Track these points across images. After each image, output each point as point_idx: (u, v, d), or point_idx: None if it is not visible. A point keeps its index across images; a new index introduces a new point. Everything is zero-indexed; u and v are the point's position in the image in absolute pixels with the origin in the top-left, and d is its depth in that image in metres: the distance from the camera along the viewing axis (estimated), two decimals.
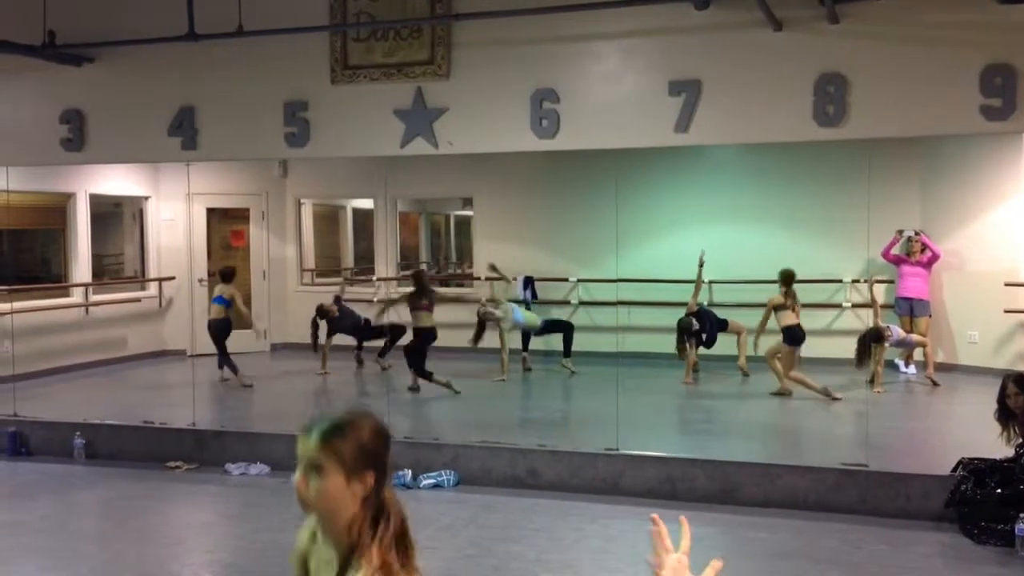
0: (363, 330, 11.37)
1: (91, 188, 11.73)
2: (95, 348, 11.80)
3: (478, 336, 10.59)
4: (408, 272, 11.93)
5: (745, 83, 6.86)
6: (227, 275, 10.95)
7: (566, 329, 11.04)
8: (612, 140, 7.31)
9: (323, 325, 11.22)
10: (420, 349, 9.80)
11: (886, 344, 9.72)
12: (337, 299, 11.25)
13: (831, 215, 10.98)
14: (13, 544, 6.18)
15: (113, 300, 12.27)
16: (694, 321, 10.25)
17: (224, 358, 10.65)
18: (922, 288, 10.62)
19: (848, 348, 10.12)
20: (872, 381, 9.56)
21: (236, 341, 11.03)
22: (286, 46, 7.70)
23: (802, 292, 9.85)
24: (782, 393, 9.49)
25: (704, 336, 10.40)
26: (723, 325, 10.50)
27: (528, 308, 11.82)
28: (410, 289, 10.16)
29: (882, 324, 9.75)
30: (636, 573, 5.45)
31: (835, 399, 9.20)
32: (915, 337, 10.11)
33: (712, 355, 10.73)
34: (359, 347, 11.55)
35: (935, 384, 9.87)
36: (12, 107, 8.72)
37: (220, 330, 10.65)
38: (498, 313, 10.58)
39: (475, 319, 10.75)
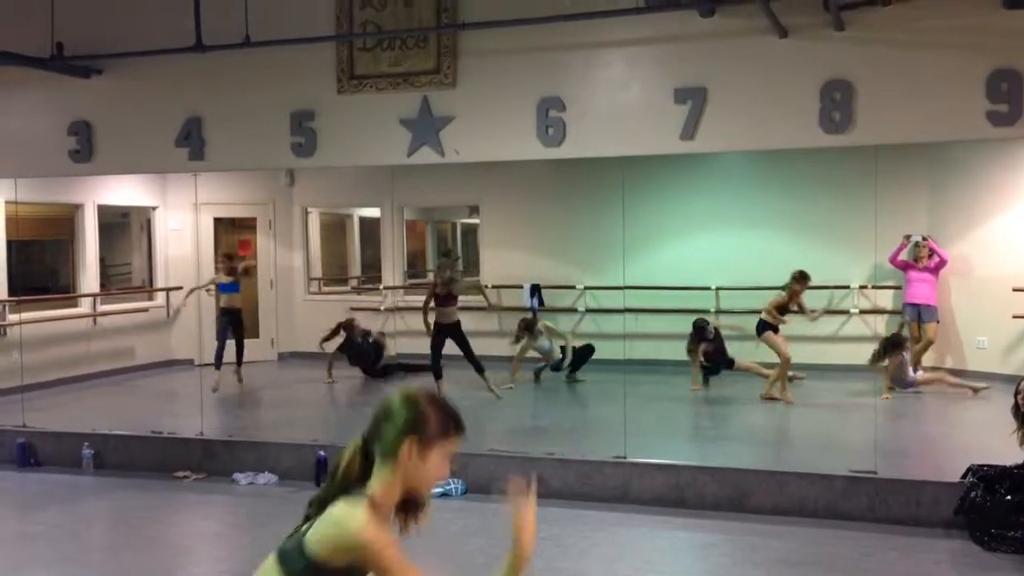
0: (370, 367, 11.35)
1: (99, 199, 11.78)
2: (103, 358, 11.82)
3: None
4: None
5: (751, 90, 6.86)
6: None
7: (589, 353, 11.00)
8: (618, 148, 7.31)
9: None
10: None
11: (903, 355, 9.69)
12: (360, 330, 11.23)
13: (838, 221, 10.97)
14: (23, 554, 6.19)
15: (121, 310, 12.31)
16: (710, 327, 10.22)
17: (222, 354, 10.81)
18: (930, 294, 10.58)
19: (855, 354, 10.13)
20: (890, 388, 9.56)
21: (244, 350, 11.08)
22: (292, 56, 7.73)
23: (809, 298, 9.83)
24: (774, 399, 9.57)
25: (712, 351, 10.37)
26: (728, 364, 10.41)
27: (534, 315, 11.81)
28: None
29: (904, 335, 9.77)
30: None
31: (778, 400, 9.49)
32: (921, 375, 9.95)
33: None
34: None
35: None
36: (21, 119, 8.76)
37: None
38: (543, 343, 10.73)
39: (478, 327, 10.83)
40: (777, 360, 9.70)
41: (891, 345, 9.54)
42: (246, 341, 11.32)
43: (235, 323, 11.02)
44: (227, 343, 10.92)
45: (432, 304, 10.01)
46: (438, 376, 9.86)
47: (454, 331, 9.97)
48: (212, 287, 11.39)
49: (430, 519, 2.33)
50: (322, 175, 12.84)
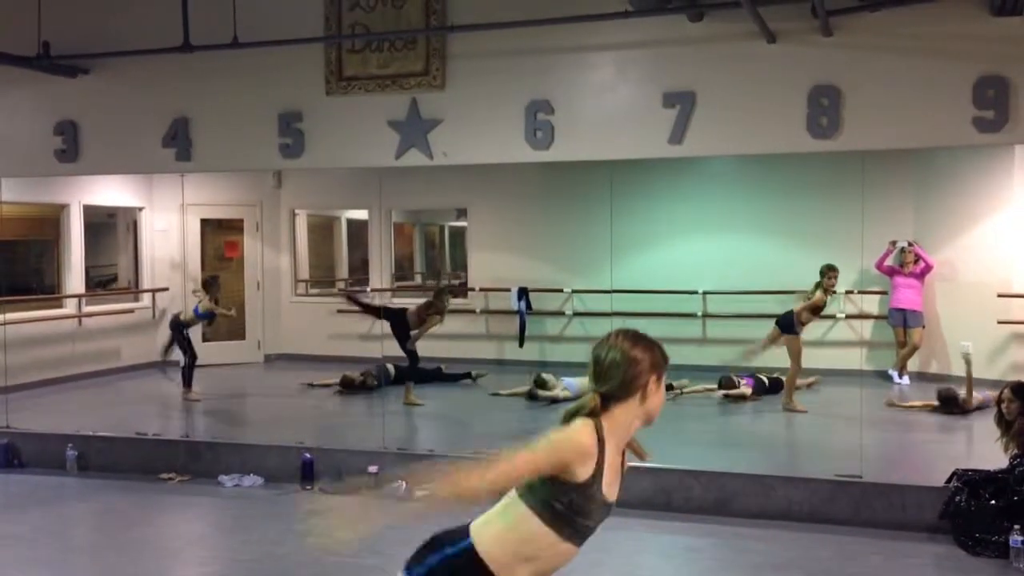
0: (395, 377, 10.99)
1: (85, 199, 11.72)
2: (88, 359, 11.76)
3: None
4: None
5: (739, 95, 6.88)
6: (206, 284, 10.69)
7: None
8: (606, 151, 7.32)
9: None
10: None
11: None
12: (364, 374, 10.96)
13: (825, 226, 11.00)
14: (5, 556, 6.14)
15: (106, 311, 12.24)
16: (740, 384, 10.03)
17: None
18: (915, 299, 10.63)
19: (841, 358, 10.17)
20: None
21: (229, 352, 10.97)
22: (281, 57, 7.71)
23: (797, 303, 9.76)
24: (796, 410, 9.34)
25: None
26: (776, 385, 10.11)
27: (523, 319, 11.81)
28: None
29: (962, 393, 9.11)
30: None
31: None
32: (990, 395, 9.02)
33: (709, 365, 10.71)
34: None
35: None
36: (6, 118, 8.72)
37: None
38: (558, 394, 9.90)
39: (465, 328, 10.75)
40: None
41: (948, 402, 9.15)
42: (232, 343, 11.21)
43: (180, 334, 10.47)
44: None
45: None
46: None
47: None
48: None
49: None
50: (310, 177, 12.82)
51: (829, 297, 9.37)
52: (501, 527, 2.61)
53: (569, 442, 2.54)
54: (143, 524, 6.90)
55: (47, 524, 6.88)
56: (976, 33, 6.39)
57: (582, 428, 2.56)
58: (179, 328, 10.40)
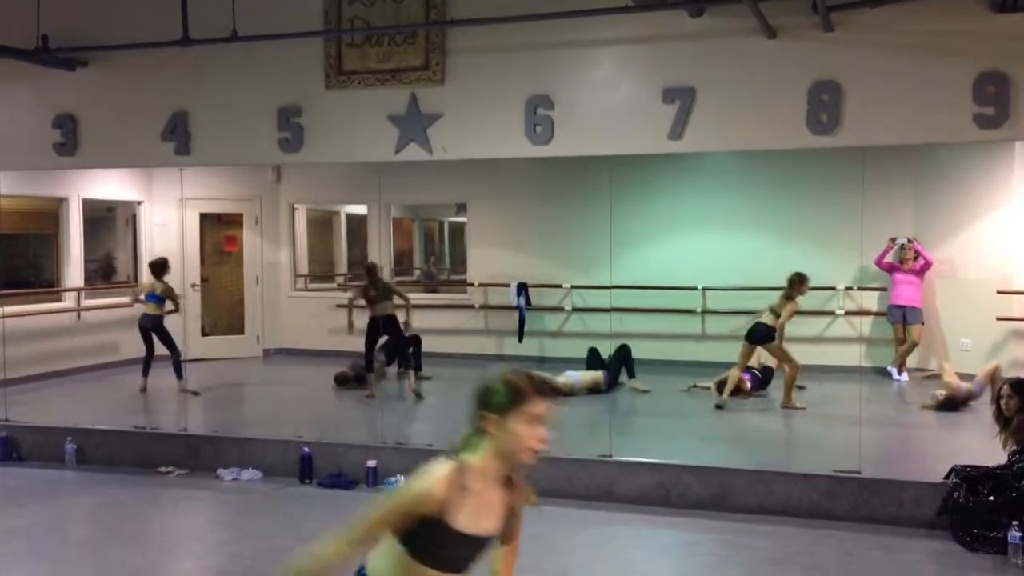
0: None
1: (84, 193, 11.71)
2: (87, 353, 11.75)
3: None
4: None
5: (739, 91, 6.88)
6: (157, 268, 10.36)
7: (626, 356, 10.46)
8: (606, 147, 7.32)
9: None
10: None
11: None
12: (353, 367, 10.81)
13: (824, 222, 11.00)
14: (4, 550, 6.15)
15: (105, 305, 12.23)
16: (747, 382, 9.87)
17: (148, 360, 10.35)
18: (915, 296, 10.64)
19: (840, 354, 10.12)
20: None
21: (228, 346, 10.94)
22: (280, 51, 7.70)
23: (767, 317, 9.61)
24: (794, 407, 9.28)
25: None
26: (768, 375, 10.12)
27: (522, 314, 11.80)
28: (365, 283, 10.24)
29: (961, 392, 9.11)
30: None
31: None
32: (981, 377, 9.23)
33: (708, 361, 10.72)
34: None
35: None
36: (5, 111, 8.71)
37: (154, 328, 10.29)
38: (561, 386, 9.65)
39: (464, 323, 10.69)
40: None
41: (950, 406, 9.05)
42: (231, 337, 11.18)
43: (160, 330, 10.36)
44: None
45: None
46: (370, 369, 10.17)
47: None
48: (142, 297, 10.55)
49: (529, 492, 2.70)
50: (309, 171, 12.81)
51: (800, 298, 9.27)
52: (384, 557, 2.66)
53: (417, 497, 2.51)
54: (142, 518, 6.91)
55: (46, 518, 6.88)
56: (977, 29, 6.38)
57: (438, 476, 2.51)
58: (157, 325, 10.31)
